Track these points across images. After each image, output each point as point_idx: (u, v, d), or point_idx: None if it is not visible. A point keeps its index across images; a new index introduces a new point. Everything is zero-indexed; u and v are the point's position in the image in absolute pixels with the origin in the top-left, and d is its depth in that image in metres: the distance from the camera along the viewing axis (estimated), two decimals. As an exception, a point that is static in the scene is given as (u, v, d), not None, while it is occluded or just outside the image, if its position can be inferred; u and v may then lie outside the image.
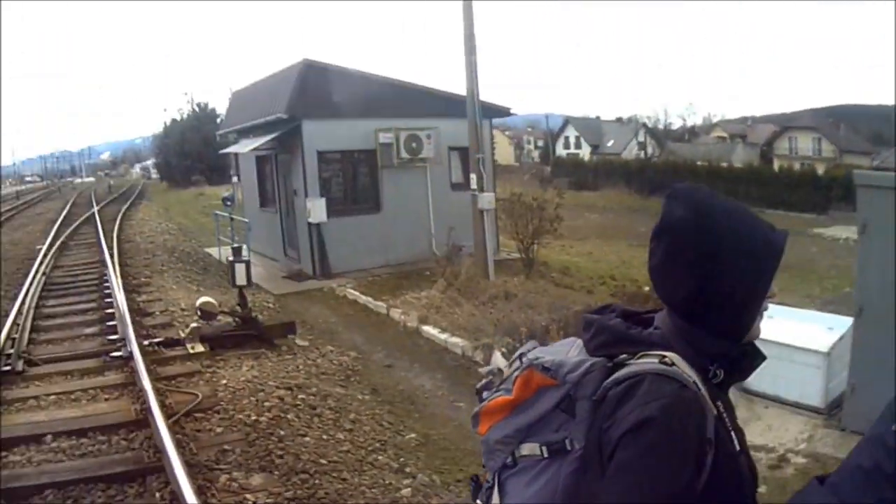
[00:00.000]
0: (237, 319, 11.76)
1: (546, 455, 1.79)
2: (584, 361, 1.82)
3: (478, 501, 1.96)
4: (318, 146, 17.54)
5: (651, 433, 1.61)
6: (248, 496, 6.17)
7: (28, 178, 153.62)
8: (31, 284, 16.11)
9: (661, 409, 1.62)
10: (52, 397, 9.19)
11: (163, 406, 8.13)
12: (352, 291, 15.21)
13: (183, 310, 13.23)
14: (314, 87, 17.57)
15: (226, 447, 7.23)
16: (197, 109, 68.11)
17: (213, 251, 21.04)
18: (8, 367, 10.23)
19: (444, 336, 12.03)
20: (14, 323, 12.52)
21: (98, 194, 57.55)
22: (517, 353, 1.95)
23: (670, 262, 1.77)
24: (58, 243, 24.66)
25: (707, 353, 1.77)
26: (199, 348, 10.88)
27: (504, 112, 21.57)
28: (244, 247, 14.52)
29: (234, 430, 7.71)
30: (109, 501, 6.43)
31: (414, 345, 12.14)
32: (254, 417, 7.99)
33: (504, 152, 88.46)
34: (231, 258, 13.02)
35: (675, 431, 1.61)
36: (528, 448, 1.82)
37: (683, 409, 1.64)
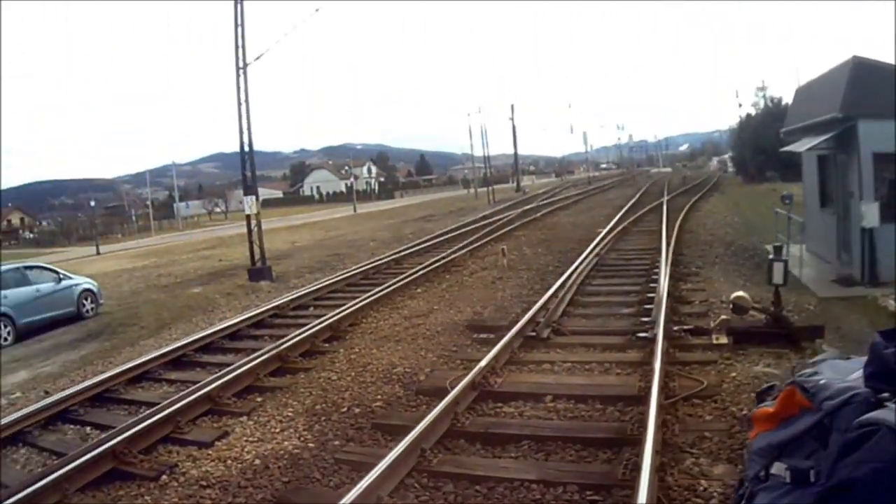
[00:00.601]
0: (767, 317, 11.56)
1: (789, 481, 1.73)
2: (849, 390, 1.71)
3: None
4: (874, 147, 16.44)
5: (849, 500, 1.48)
6: (702, 482, 6.23)
7: (603, 166, 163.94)
8: (580, 263, 17.33)
9: (869, 475, 1.47)
10: (567, 365, 10.02)
11: (664, 388, 8.44)
12: (892, 302, 14.11)
13: (722, 302, 13.29)
14: (869, 86, 16.47)
15: (706, 434, 7.33)
16: (770, 105, 67.00)
17: (771, 248, 20.75)
18: (533, 334, 11.24)
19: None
20: (553, 296, 13.64)
21: (671, 184, 59.70)
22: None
23: None
24: (619, 228, 26.23)
25: None
26: (723, 340, 10.93)
27: None
28: (786, 247, 14.18)
29: (722, 420, 7.77)
30: (577, 460, 6.91)
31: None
32: (745, 412, 7.90)
33: None
34: (771, 256, 12.84)
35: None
36: (777, 468, 1.79)
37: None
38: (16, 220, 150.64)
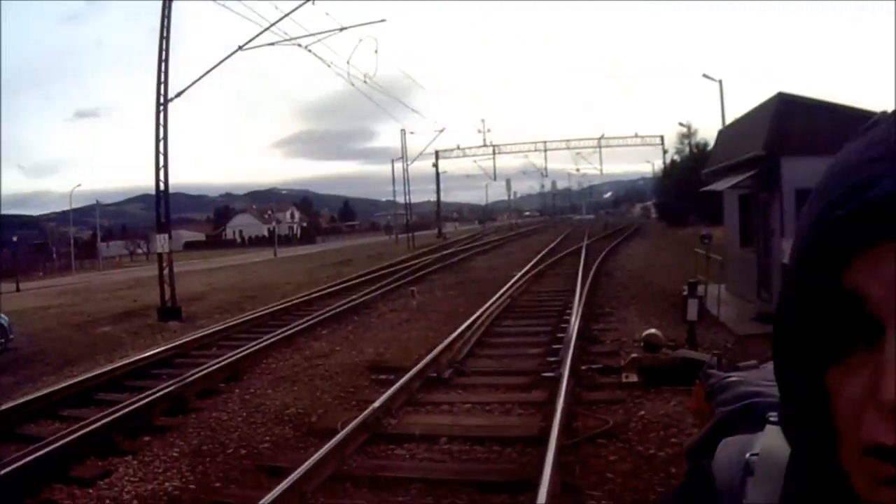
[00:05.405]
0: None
1: None
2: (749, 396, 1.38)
3: None
4: (796, 184, 16.25)
5: None
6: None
7: (526, 213, 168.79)
8: (491, 305, 17.10)
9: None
10: (467, 406, 9.73)
11: (567, 428, 8.10)
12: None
13: (635, 341, 13.10)
14: (793, 123, 16.40)
15: (608, 475, 7.05)
16: (696, 150, 68.30)
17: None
18: (434, 375, 10.83)
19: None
20: (459, 336, 13.29)
21: (593, 230, 61.53)
22: None
23: None
24: (535, 271, 26.26)
25: None
26: (633, 379, 10.63)
27: None
28: (704, 286, 14.01)
29: (626, 461, 7.48)
30: (467, 505, 6.50)
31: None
32: (652, 451, 7.68)
33: None
34: (685, 293, 12.65)
35: None
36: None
37: None
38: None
